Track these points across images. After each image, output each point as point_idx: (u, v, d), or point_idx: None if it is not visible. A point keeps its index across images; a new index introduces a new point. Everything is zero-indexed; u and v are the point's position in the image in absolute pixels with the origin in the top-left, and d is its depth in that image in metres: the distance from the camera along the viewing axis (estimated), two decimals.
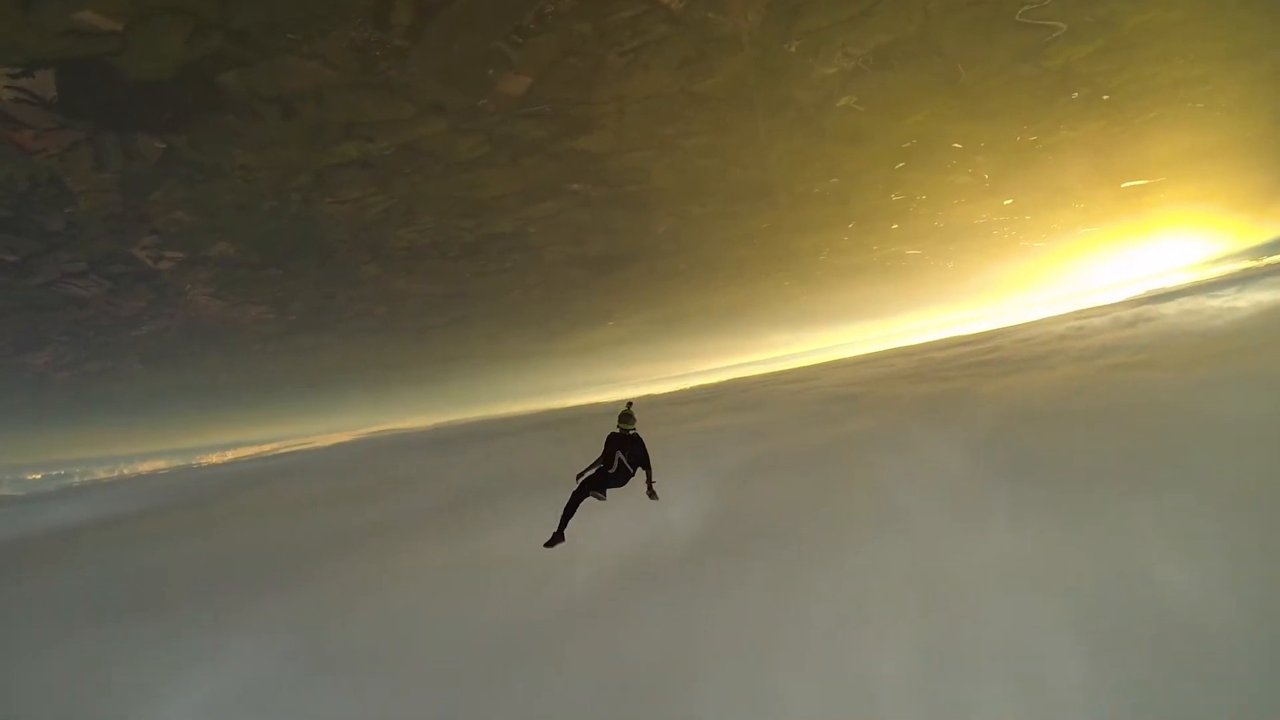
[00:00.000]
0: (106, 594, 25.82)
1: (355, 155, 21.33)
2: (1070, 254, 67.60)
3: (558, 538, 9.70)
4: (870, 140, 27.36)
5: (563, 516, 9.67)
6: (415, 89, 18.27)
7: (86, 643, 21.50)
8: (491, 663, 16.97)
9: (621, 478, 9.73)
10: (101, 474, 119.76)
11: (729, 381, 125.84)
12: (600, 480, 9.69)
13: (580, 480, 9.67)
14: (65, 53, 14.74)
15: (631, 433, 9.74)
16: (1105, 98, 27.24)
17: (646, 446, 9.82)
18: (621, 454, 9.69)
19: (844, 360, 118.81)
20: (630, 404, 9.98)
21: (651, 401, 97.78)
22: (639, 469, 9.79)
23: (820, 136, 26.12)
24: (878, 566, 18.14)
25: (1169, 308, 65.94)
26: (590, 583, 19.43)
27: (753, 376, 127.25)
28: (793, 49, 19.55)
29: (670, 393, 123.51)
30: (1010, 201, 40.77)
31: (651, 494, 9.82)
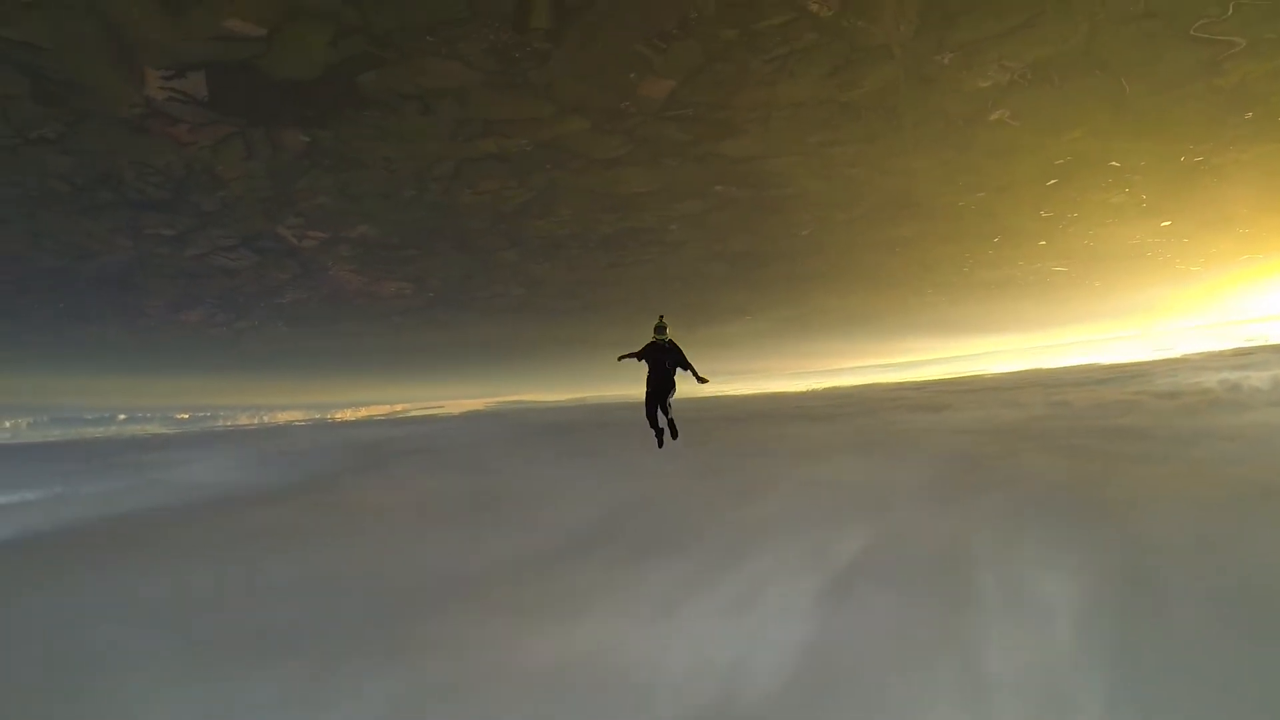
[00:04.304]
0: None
1: (494, 150, 21.59)
2: (1230, 282, 62.23)
3: (660, 440, 12.07)
4: (1022, 155, 25.53)
5: (652, 427, 11.98)
6: (555, 89, 18.18)
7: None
8: None
9: (668, 382, 11.80)
10: (244, 419, 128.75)
11: (855, 389, 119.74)
12: (655, 392, 11.80)
13: (619, 360, 12.02)
14: (214, 56, 15.57)
15: (667, 343, 11.75)
16: None
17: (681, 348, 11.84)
18: (662, 360, 11.75)
19: (978, 380, 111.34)
20: (662, 316, 12.08)
21: (766, 406, 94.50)
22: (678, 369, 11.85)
23: (969, 149, 24.59)
24: None
25: None
26: None
27: (881, 387, 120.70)
28: (946, 60, 18.29)
29: (793, 394, 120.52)
30: (1168, 224, 37.51)
31: (700, 380, 11.58)
